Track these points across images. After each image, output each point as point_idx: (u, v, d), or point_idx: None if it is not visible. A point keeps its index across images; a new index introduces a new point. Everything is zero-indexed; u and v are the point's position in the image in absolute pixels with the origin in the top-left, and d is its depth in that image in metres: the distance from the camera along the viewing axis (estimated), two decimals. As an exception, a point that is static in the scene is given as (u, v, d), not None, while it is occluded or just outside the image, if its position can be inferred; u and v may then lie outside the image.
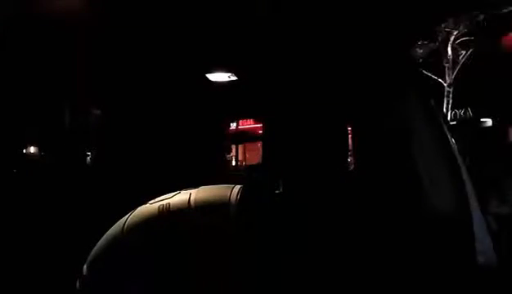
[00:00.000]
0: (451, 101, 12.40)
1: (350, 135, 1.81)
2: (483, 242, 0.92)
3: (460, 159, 1.05)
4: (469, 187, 1.00)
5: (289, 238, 0.86)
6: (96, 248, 0.85)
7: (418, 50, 11.16)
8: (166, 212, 0.84)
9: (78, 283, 0.85)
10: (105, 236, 0.86)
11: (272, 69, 1.50)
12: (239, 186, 0.84)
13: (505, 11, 11.04)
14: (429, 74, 11.52)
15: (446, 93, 12.33)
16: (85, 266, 0.85)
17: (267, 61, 1.43)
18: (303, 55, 1.34)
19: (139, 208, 0.86)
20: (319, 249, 0.89)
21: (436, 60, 12.05)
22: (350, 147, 1.83)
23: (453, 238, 0.96)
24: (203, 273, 0.90)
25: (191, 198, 0.84)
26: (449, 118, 12.04)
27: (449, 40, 12.12)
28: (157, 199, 0.87)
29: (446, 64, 12.36)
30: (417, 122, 1.11)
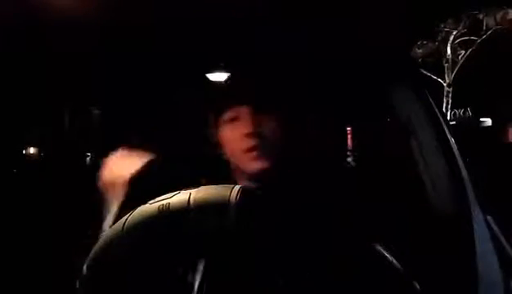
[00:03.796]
0: (450, 101, 12.41)
1: (350, 135, 1.82)
2: (483, 243, 0.93)
3: (460, 159, 1.05)
4: (469, 187, 1.00)
5: (289, 238, 0.87)
6: (96, 248, 0.85)
7: (418, 50, 11.17)
8: (166, 212, 0.83)
9: (78, 283, 0.85)
10: (105, 236, 0.86)
11: (272, 68, 1.50)
12: (239, 186, 0.83)
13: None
14: (429, 74, 11.53)
15: (445, 93, 12.35)
16: (85, 266, 0.85)
17: (266, 61, 1.43)
18: (303, 54, 1.34)
19: (139, 208, 0.86)
20: (319, 249, 0.89)
21: (435, 60, 12.07)
22: (350, 147, 1.84)
23: (453, 239, 0.96)
24: (203, 274, 0.90)
25: (191, 198, 0.84)
26: (448, 118, 12.05)
27: (448, 40, 12.13)
28: (157, 199, 0.87)
29: (446, 64, 12.37)
30: (417, 122, 1.12)
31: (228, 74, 1.10)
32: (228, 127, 1.06)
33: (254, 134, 1.02)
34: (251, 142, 1.02)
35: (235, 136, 1.04)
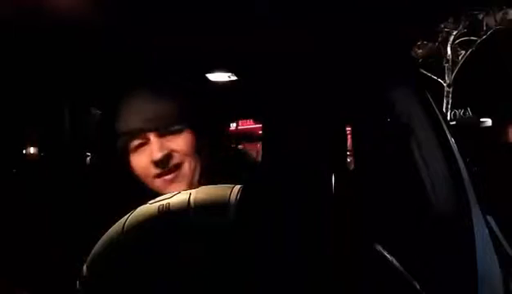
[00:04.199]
0: (450, 101, 12.41)
1: (350, 135, 1.82)
2: (483, 243, 0.93)
3: (460, 159, 1.05)
4: (469, 187, 1.00)
5: (289, 238, 0.87)
6: (96, 248, 0.85)
7: (418, 50, 11.16)
8: (166, 212, 0.84)
9: (78, 284, 0.85)
10: (105, 236, 0.86)
11: (272, 69, 1.50)
12: (239, 186, 0.84)
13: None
14: (429, 74, 11.53)
15: (445, 93, 12.35)
16: (85, 266, 0.85)
17: (266, 61, 1.43)
18: (303, 55, 1.34)
19: (139, 208, 0.86)
20: (319, 249, 0.89)
21: (436, 60, 12.06)
22: (350, 147, 1.84)
23: (453, 239, 0.96)
24: (203, 274, 0.90)
25: (191, 197, 0.84)
26: (449, 118, 12.05)
27: (448, 40, 12.13)
28: (157, 199, 0.87)
29: (446, 65, 12.37)
30: (417, 123, 1.11)
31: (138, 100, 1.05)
32: (136, 154, 1.02)
33: (162, 160, 0.98)
34: (159, 168, 0.99)
35: (143, 163, 1.01)
